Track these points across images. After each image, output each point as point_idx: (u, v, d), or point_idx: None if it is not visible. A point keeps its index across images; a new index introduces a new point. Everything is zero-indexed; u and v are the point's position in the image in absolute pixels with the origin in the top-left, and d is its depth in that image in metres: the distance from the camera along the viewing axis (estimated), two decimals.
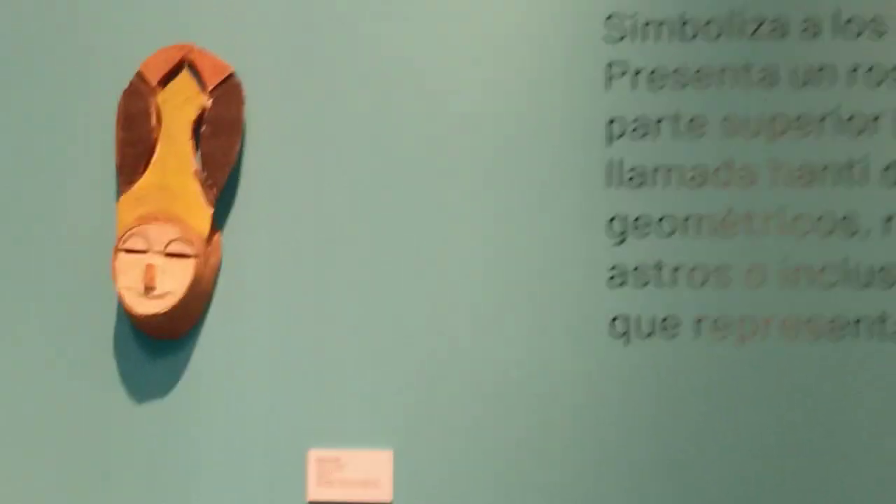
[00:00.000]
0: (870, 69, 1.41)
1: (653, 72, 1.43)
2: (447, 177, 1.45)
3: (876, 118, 1.41)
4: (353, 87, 1.46)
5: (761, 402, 1.41)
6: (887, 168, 1.42)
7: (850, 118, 1.41)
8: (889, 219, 1.41)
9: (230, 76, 1.44)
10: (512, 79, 1.45)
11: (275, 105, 1.47)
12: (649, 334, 1.42)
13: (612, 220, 1.43)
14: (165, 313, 1.38)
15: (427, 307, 1.44)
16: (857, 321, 1.39)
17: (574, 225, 1.43)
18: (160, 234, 1.39)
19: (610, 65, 1.43)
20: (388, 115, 1.45)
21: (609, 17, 1.45)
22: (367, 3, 1.48)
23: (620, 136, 1.43)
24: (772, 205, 1.41)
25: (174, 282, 1.37)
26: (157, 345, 1.45)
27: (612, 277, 1.43)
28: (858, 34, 1.41)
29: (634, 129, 1.44)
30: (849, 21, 1.41)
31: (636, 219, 1.43)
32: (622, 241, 1.44)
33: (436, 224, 1.44)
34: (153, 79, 1.44)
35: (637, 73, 1.44)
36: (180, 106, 1.43)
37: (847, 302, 1.39)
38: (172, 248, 1.40)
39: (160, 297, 1.37)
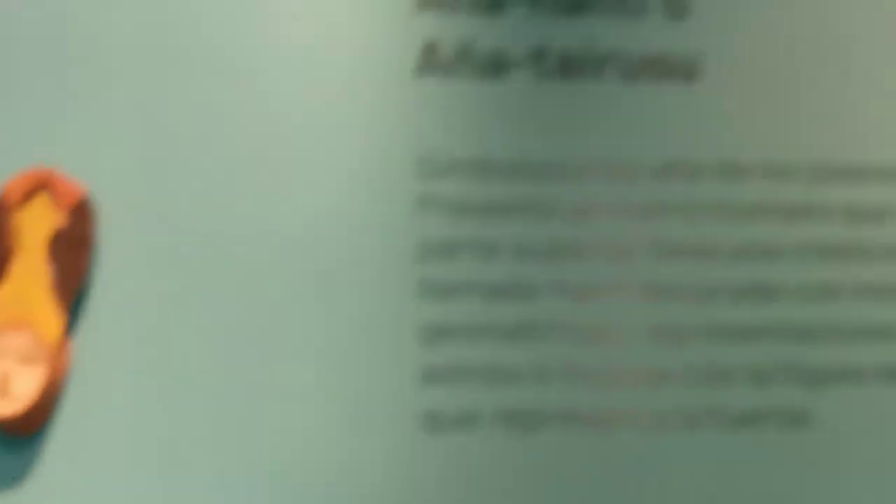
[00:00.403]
0: None
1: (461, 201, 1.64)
2: (281, 294, 1.56)
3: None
4: (201, 209, 1.58)
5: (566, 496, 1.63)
6: None
7: None
8: None
9: (84, 198, 1.56)
10: (331, 210, 1.58)
11: (128, 224, 1.58)
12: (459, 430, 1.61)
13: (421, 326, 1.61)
14: (17, 415, 1.47)
15: (266, 413, 1.52)
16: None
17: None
18: (14, 342, 1.53)
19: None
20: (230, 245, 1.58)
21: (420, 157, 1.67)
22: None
23: (429, 253, 1.63)
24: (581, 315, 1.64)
25: (26, 386, 1.51)
26: (12, 442, 1.54)
27: (422, 374, 1.60)
28: None
29: (441, 251, 1.64)
30: None
31: (446, 324, 1.62)
32: (433, 343, 1.63)
33: (272, 340, 1.53)
34: (13, 200, 1.56)
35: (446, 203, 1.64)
36: (37, 224, 1.55)
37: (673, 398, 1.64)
38: (25, 355, 1.55)
39: (13, 400, 1.48)
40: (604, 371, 1.63)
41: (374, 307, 1.61)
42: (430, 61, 1.65)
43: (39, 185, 1.56)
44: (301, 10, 1.65)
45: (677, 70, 1.67)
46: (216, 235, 1.59)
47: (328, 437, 1.57)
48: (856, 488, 1.65)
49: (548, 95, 1.65)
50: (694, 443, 1.61)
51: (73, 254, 1.55)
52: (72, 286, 1.55)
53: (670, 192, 1.65)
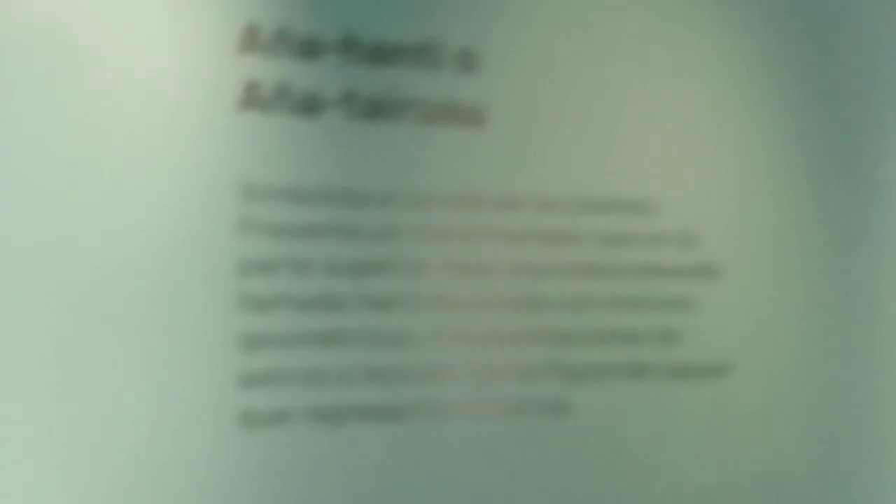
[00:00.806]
0: None
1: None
2: (110, 307, 1.64)
3: None
4: None
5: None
6: None
7: None
8: None
9: None
10: (159, 230, 1.66)
11: None
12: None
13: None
14: None
15: (94, 417, 1.59)
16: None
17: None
18: None
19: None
20: None
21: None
22: None
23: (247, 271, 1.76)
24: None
25: None
26: None
27: (240, 379, 1.73)
28: None
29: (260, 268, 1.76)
30: None
31: (263, 334, 1.75)
32: (251, 350, 1.76)
33: (101, 349, 1.60)
34: None
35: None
36: None
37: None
38: None
39: None
40: (402, 372, 1.83)
41: (197, 318, 1.73)
42: (252, 98, 1.78)
43: None
44: (135, 48, 1.71)
45: (467, 116, 1.89)
46: (47, 253, 1.61)
47: (153, 436, 1.66)
48: (607, 467, 1.94)
49: (356, 133, 1.82)
50: (473, 431, 1.85)
51: None
52: None
53: (459, 219, 1.87)
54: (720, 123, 2.10)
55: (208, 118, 1.74)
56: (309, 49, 1.78)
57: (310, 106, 1.78)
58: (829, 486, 2.13)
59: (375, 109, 1.82)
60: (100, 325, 1.68)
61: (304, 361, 1.76)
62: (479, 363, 1.86)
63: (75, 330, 1.63)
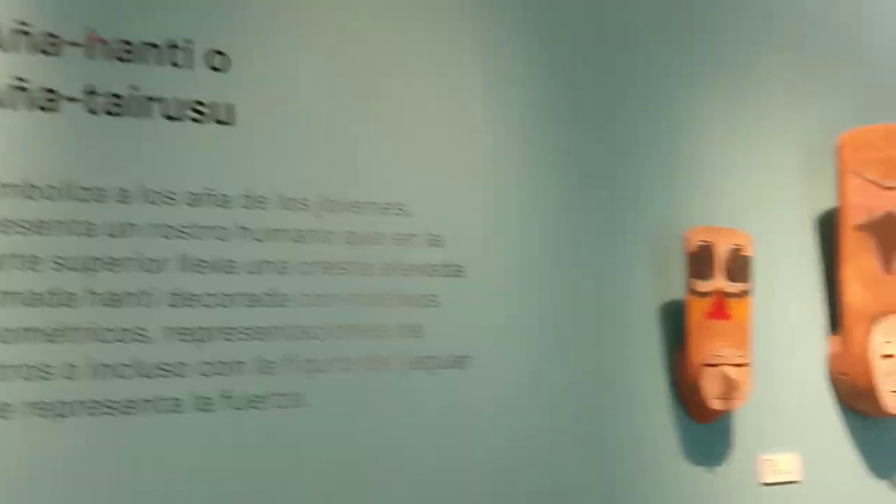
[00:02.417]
0: None
1: None
2: None
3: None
4: None
5: None
6: None
7: None
8: None
9: None
10: None
11: None
12: None
13: None
14: None
15: None
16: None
17: None
18: None
19: None
20: None
21: None
22: None
23: None
24: None
25: None
26: None
27: None
28: None
29: None
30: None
31: None
32: None
33: None
34: None
35: None
36: None
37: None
38: None
39: None
40: (134, 367, 1.71)
41: None
42: None
43: None
44: None
45: (215, 115, 1.78)
46: None
47: None
48: (346, 457, 1.85)
49: (97, 129, 1.70)
50: (210, 422, 1.75)
51: None
52: None
53: (202, 216, 1.76)
54: (468, 132, 2.01)
55: None
56: (49, 44, 1.66)
57: (48, 101, 1.66)
58: (562, 471, 2.08)
59: (118, 106, 1.70)
60: None
61: (29, 356, 1.65)
62: (216, 357, 1.75)
63: None
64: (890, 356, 2.37)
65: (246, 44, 1.81)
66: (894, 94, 2.63)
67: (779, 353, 2.35)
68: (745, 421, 2.28)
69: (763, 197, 2.37)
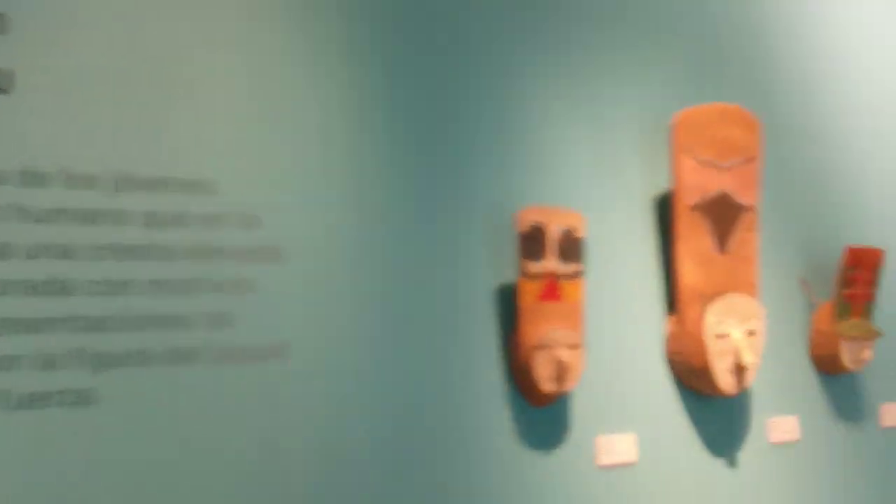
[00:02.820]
0: None
1: None
2: None
3: None
4: None
5: None
6: None
7: None
8: None
9: None
10: None
11: None
12: None
13: None
14: None
15: None
16: None
17: None
18: None
19: None
20: None
21: None
22: None
23: None
24: None
25: None
26: None
27: None
28: None
29: None
30: None
31: None
32: None
33: None
34: None
35: None
36: None
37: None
38: None
39: None
40: None
41: None
42: None
43: None
44: None
45: None
46: None
47: None
48: (140, 456, 1.66)
49: None
50: None
51: None
52: None
53: None
54: (289, 105, 1.84)
55: None
56: None
57: None
58: (392, 465, 1.93)
59: None
60: None
61: None
62: None
63: None
64: (724, 336, 2.34)
65: (27, 3, 1.59)
66: (732, 72, 2.60)
67: (615, 334, 2.27)
68: (583, 403, 2.19)
69: (600, 176, 2.29)
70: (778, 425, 2.54)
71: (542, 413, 2.16)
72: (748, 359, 2.27)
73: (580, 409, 2.20)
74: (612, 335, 2.28)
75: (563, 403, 2.19)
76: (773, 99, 2.70)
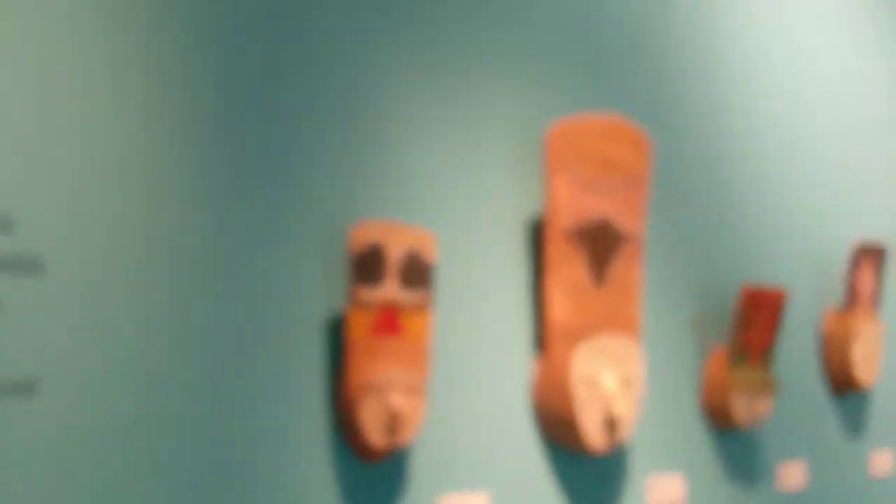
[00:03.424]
0: None
1: None
2: None
3: None
4: None
5: None
6: None
7: None
8: None
9: None
10: None
11: None
12: None
13: None
14: None
15: None
16: None
17: None
18: None
19: None
20: None
21: None
22: None
23: None
24: None
25: None
26: None
27: None
28: None
29: None
30: None
31: None
32: None
33: None
34: None
35: None
36: None
37: None
38: None
39: None
40: None
41: None
42: None
43: None
44: None
45: None
46: None
47: None
48: None
49: None
50: None
51: None
52: None
53: None
54: (59, 91, 1.44)
55: None
56: None
57: None
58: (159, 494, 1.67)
59: None
60: None
61: None
62: None
63: None
64: (594, 382, 1.98)
65: None
66: (619, 83, 2.26)
67: (471, 377, 1.92)
68: (424, 459, 1.84)
69: (460, 192, 1.94)
70: (659, 485, 2.27)
71: (374, 470, 1.79)
72: (620, 411, 1.95)
73: (420, 466, 1.85)
74: (467, 378, 1.92)
75: (399, 459, 1.83)
76: (666, 114, 2.38)
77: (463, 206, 1.97)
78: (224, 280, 1.68)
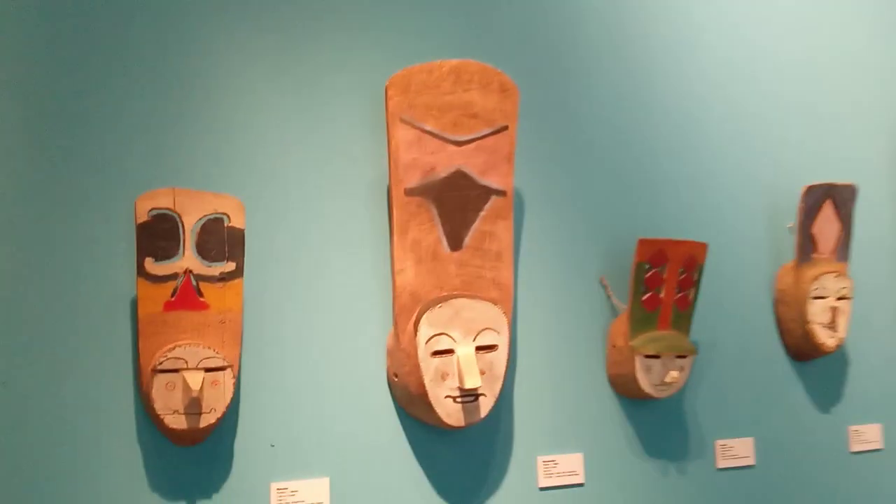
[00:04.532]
0: None
1: None
2: None
3: None
4: None
5: None
6: None
7: None
8: None
9: None
10: None
11: None
12: None
13: None
14: None
15: None
16: None
17: None
18: None
19: None
20: None
21: None
22: None
23: None
24: None
25: None
26: None
27: None
28: None
29: None
30: None
31: None
32: None
33: None
34: None
35: None
36: None
37: None
38: None
39: None
40: None
41: None
42: None
43: None
44: None
45: None
46: None
47: None
48: None
49: None
50: None
51: None
52: None
53: None
54: None
55: None
56: None
57: None
58: None
59: None
60: None
61: None
62: None
63: None
64: (444, 352, 1.77)
65: None
66: (490, 30, 2.01)
67: (321, 350, 1.75)
68: (253, 441, 1.68)
69: (303, 157, 1.79)
70: (553, 465, 1.99)
71: (188, 454, 1.64)
72: (470, 382, 1.73)
73: (249, 449, 1.70)
74: (314, 352, 1.76)
75: (219, 441, 1.67)
76: (546, 60, 2.08)
77: (304, 166, 1.79)
78: (23, 253, 1.56)
